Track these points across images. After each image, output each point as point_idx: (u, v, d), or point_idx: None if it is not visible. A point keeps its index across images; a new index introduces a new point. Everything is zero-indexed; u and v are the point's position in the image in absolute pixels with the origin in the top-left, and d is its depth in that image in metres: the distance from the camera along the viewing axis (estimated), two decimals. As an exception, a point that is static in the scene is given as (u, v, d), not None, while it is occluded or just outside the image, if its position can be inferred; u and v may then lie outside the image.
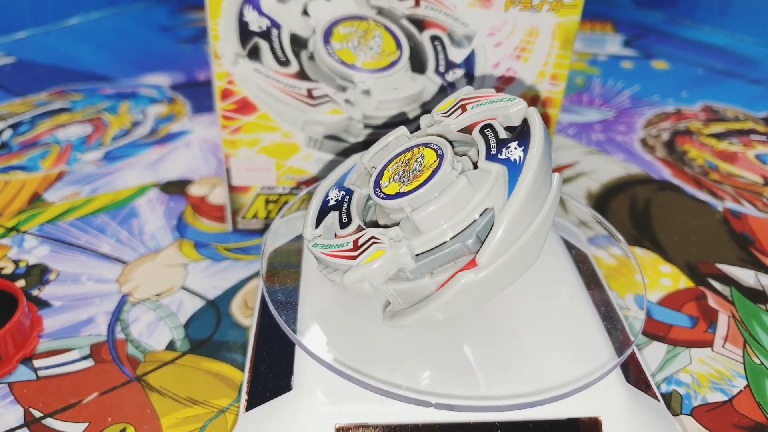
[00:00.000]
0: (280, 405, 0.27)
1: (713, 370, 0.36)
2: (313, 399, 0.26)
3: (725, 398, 0.34)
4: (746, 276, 0.43)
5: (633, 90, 0.68)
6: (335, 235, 0.28)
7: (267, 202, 0.43)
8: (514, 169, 0.25)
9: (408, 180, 0.27)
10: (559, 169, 0.54)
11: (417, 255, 0.25)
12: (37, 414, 0.32)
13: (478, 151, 0.26)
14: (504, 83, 0.40)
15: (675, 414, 0.33)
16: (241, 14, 0.36)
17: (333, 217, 0.29)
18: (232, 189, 0.43)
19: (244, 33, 0.37)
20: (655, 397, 0.30)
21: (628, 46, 0.79)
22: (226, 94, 0.39)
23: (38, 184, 0.49)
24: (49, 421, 0.32)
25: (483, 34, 0.38)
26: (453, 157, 0.27)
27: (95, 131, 0.57)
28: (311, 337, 0.28)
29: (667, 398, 0.34)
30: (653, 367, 0.36)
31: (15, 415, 0.32)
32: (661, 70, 0.74)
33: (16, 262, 0.41)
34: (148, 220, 0.46)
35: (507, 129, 0.28)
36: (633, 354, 0.34)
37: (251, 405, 0.28)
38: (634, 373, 0.30)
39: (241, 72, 0.38)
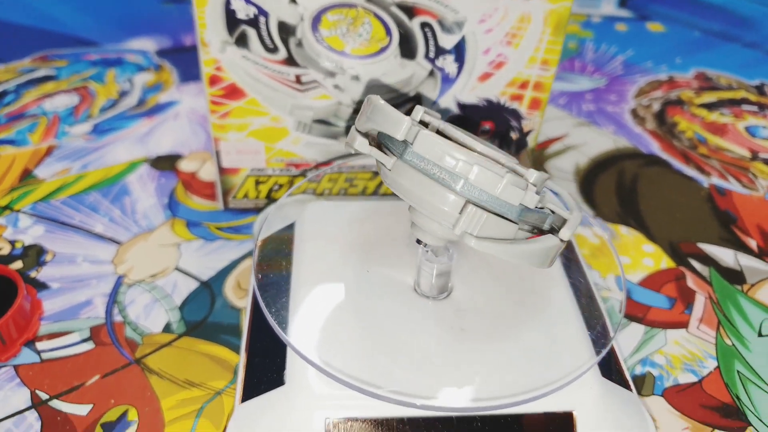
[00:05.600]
0: (274, 399, 0.28)
1: (686, 351, 0.38)
2: (306, 394, 0.28)
3: (696, 379, 0.36)
4: (726, 256, 0.44)
5: (626, 55, 0.68)
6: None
7: (257, 183, 0.44)
8: None
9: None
10: (548, 142, 0.55)
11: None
12: (44, 396, 0.33)
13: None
14: (495, 68, 0.40)
15: (647, 395, 0.35)
16: (227, 2, 0.36)
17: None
18: (222, 171, 0.43)
19: (231, 21, 0.36)
20: (627, 386, 0.32)
21: (623, 6, 0.78)
22: (214, 80, 0.39)
23: (28, 160, 0.50)
24: (56, 403, 0.33)
25: (474, 20, 0.37)
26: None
27: (82, 102, 0.56)
28: (302, 336, 0.29)
29: (641, 380, 0.36)
30: (630, 348, 0.38)
31: (23, 396, 0.33)
32: (656, 32, 0.73)
33: (12, 243, 0.42)
34: (139, 198, 0.46)
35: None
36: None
37: (246, 396, 0.29)
38: (608, 365, 0.31)
39: (229, 59, 0.38)
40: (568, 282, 0.33)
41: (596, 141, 0.55)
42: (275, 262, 0.34)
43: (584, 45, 0.69)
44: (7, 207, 0.45)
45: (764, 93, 0.63)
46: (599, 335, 0.30)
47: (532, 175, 0.26)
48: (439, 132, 0.30)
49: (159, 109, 0.56)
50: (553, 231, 0.28)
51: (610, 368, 0.31)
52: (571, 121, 0.58)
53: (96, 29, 0.68)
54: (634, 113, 0.59)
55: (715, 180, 0.51)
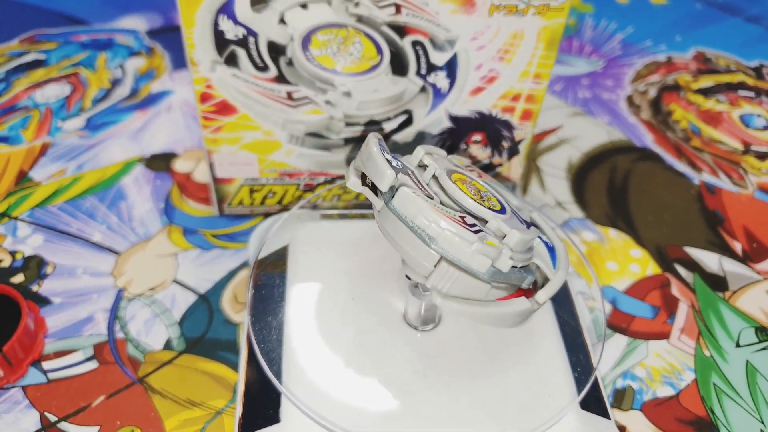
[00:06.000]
0: (269, 436, 0.30)
1: (666, 363, 0.39)
2: (299, 433, 0.29)
3: (674, 392, 0.38)
4: (711, 261, 0.45)
5: (625, 33, 0.67)
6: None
7: (251, 191, 0.44)
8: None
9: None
10: (543, 135, 0.55)
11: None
12: (53, 418, 0.35)
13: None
14: (487, 83, 0.39)
15: (626, 409, 0.37)
16: (216, 24, 0.35)
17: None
18: (217, 181, 0.43)
19: (220, 41, 0.36)
20: (606, 414, 0.34)
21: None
22: (205, 98, 0.39)
23: (23, 160, 0.50)
24: (64, 425, 0.35)
25: (466, 38, 0.37)
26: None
27: (74, 92, 0.56)
28: (295, 380, 0.31)
29: (621, 394, 0.38)
30: (612, 361, 0.39)
31: (33, 419, 0.35)
32: (657, 5, 0.71)
33: (12, 254, 0.43)
34: (135, 203, 0.47)
35: None
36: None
37: (245, 429, 0.31)
38: (588, 395, 0.33)
39: (219, 77, 0.38)
40: (555, 317, 0.35)
41: (590, 133, 0.55)
42: (269, 290, 0.35)
43: (583, 22, 0.68)
44: (4, 214, 0.46)
45: (762, 76, 0.62)
46: (581, 372, 0.32)
47: (514, 237, 0.27)
48: (435, 177, 0.30)
49: (152, 100, 0.56)
50: (536, 287, 0.29)
51: (590, 399, 0.33)
52: (567, 110, 0.57)
53: (85, 5, 0.67)
54: (630, 101, 0.59)
55: (706, 177, 0.52)
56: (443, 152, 0.33)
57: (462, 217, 0.27)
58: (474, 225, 0.27)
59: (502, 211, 0.29)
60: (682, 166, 0.53)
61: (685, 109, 0.58)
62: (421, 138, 0.42)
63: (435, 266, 0.27)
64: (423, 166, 0.31)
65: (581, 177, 0.51)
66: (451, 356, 0.32)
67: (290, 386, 0.30)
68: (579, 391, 0.31)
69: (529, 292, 0.28)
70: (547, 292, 0.28)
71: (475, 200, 0.28)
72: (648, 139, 0.55)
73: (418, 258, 0.27)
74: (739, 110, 0.58)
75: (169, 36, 0.63)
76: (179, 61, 0.60)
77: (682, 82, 0.61)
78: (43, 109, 0.54)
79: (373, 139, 0.29)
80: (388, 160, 0.29)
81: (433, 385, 0.31)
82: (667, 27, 0.68)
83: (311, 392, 0.30)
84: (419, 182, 0.29)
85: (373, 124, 0.41)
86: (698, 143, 0.55)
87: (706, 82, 0.61)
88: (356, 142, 0.42)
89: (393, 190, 0.28)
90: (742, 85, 0.61)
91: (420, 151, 0.31)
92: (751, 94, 0.60)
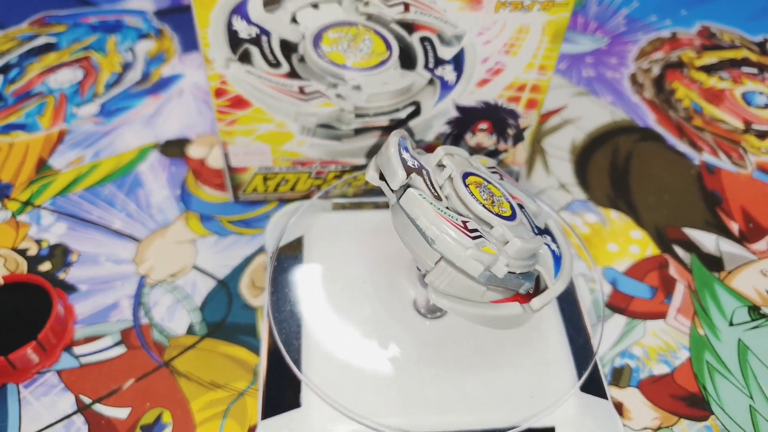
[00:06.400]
0: (291, 420, 0.32)
1: (662, 342, 0.42)
2: (320, 417, 0.32)
3: (669, 370, 0.40)
4: (708, 242, 0.47)
5: (631, 8, 0.67)
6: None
7: (265, 179, 0.46)
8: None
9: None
10: (547, 116, 0.56)
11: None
12: (87, 400, 0.38)
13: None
14: (493, 75, 0.40)
15: (624, 387, 0.39)
16: (229, 23, 0.36)
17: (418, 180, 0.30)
18: (231, 170, 0.45)
19: (234, 40, 0.37)
20: (604, 395, 0.36)
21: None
22: (219, 93, 0.40)
23: (42, 147, 0.51)
24: (98, 407, 0.37)
25: (472, 33, 0.38)
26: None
27: (87, 77, 0.57)
28: (314, 368, 0.33)
29: (619, 372, 0.40)
30: (612, 340, 0.41)
31: (68, 401, 0.38)
32: (663, -23, 0.71)
33: (38, 242, 0.45)
34: (153, 190, 0.48)
35: None
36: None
37: (266, 414, 0.34)
38: (588, 379, 0.35)
39: (233, 74, 0.39)
40: (557, 301, 0.37)
41: (594, 113, 0.56)
42: (287, 281, 0.37)
43: (588, -4, 0.68)
44: (28, 202, 0.47)
45: (766, 51, 0.62)
46: (582, 357, 0.34)
47: (514, 245, 0.28)
48: (450, 178, 0.32)
49: (163, 84, 0.57)
50: (538, 292, 0.30)
51: (589, 381, 0.35)
52: (571, 90, 0.58)
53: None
54: (633, 79, 0.59)
55: (707, 156, 0.53)
56: (465, 153, 0.34)
57: (465, 222, 0.28)
58: (475, 230, 0.28)
59: (512, 217, 0.30)
60: (683, 146, 0.54)
61: (688, 87, 0.59)
62: (429, 126, 0.43)
63: (435, 264, 0.28)
64: (442, 166, 0.32)
65: (584, 158, 0.53)
66: (458, 343, 0.34)
67: (309, 373, 0.33)
68: (579, 374, 0.34)
69: (526, 298, 0.30)
70: (542, 300, 0.29)
71: (484, 205, 0.30)
72: (650, 119, 0.56)
73: (420, 255, 0.29)
74: (742, 87, 0.59)
75: (177, 17, 0.63)
76: (188, 44, 0.60)
77: (685, 59, 0.61)
78: (57, 95, 0.55)
79: (393, 139, 0.31)
80: (404, 159, 0.30)
81: (438, 373, 0.33)
82: (672, 1, 0.68)
83: (330, 379, 0.32)
84: (431, 184, 0.30)
85: (381, 115, 0.42)
86: (700, 122, 0.56)
87: (710, 58, 0.61)
88: (366, 132, 0.43)
89: (403, 189, 0.29)
90: (745, 62, 0.61)
91: (440, 152, 0.32)
92: (755, 70, 0.60)
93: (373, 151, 0.45)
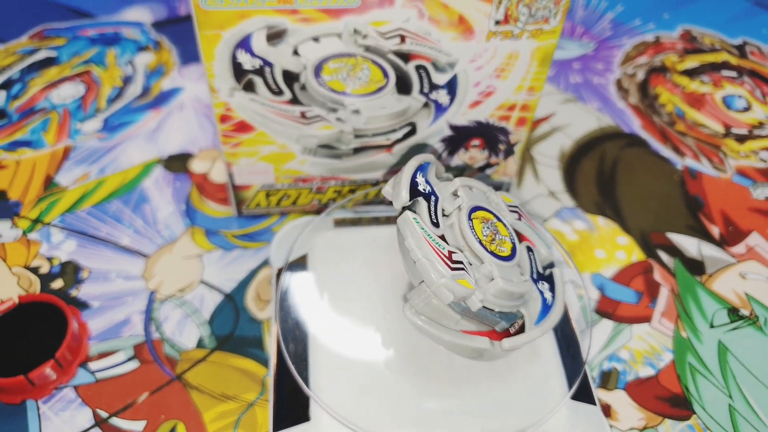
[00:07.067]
0: (301, 433, 0.34)
1: (648, 345, 0.44)
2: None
3: (653, 372, 0.43)
4: (690, 246, 0.50)
5: (615, 12, 0.69)
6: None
7: (267, 195, 0.48)
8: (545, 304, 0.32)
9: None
10: (536, 123, 0.58)
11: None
12: (104, 414, 0.40)
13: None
14: (484, 97, 0.42)
15: (611, 389, 0.42)
16: (234, 57, 0.38)
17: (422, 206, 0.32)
18: (236, 188, 0.47)
19: (238, 71, 0.39)
20: (592, 401, 0.38)
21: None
22: (224, 119, 0.41)
23: (48, 165, 0.53)
24: (115, 420, 0.40)
25: (465, 60, 0.40)
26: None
27: (88, 91, 0.58)
28: (322, 384, 0.35)
29: (607, 375, 0.42)
30: (599, 344, 0.44)
31: (86, 415, 0.40)
32: (647, -20, 0.72)
33: (50, 260, 0.47)
34: (159, 206, 0.50)
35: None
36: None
37: (277, 426, 0.36)
38: (578, 384, 0.38)
39: (238, 101, 0.40)
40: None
41: (581, 120, 0.58)
42: (293, 298, 0.39)
43: (575, 1, 0.70)
44: (37, 220, 0.49)
45: (744, 54, 0.64)
46: (572, 366, 0.36)
47: (496, 285, 0.30)
48: (459, 208, 0.33)
49: (164, 98, 0.58)
50: (519, 331, 0.32)
51: (579, 389, 0.38)
52: (559, 97, 0.60)
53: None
54: (619, 84, 0.61)
55: (689, 161, 0.55)
56: (485, 186, 0.36)
57: (451, 252, 0.30)
58: (458, 262, 0.30)
59: (509, 258, 0.32)
60: (666, 152, 0.56)
61: (671, 91, 0.61)
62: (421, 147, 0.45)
63: (419, 284, 0.30)
64: (456, 196, 0.34)
65: (572, 165, 0.55)
66: (454, 356, 0.37)
67: (317, 389, 0.35)
68: (570, 384, 0.36)
69: (501, 335, 0.31)
70: (513, 342, 0.30)
71: (481, 241, 0.31)
72: (635, 125, 0.58)
73: (409, 273, 0.31)
74: (722, 91, 0.61)
75: (175, 28, 0.65)
76: (187, 56, 0.62)
77: (668, 63, 0.63)
78: (60, 110, 0.57)
79: (412, 163, 0.33)
80: (416, 183, 0.32)
81: (445, 387, 0.35)
82: (655, 4, 0.70)
83: (338, 394, 0.35)
84: (434, 211, 0.32)
85: (379, 136, 0.44)
86: (682, 127, 0.58)
87: (692, 62, 0.64)
88: (364, 150, 0.45)
89: (403, 209, 0.32)
90: (725, 65, 0.63)
91: (457, 182, 0.34)
92: (734, 74, 0.62)
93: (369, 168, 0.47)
